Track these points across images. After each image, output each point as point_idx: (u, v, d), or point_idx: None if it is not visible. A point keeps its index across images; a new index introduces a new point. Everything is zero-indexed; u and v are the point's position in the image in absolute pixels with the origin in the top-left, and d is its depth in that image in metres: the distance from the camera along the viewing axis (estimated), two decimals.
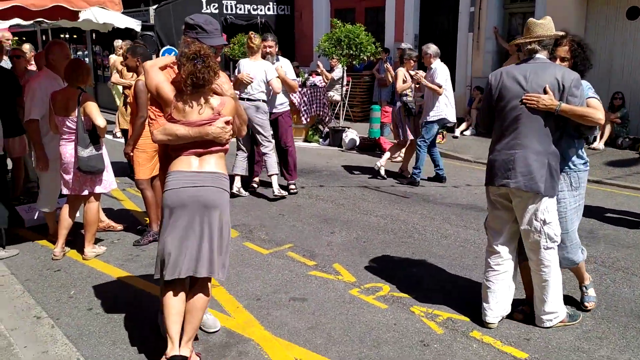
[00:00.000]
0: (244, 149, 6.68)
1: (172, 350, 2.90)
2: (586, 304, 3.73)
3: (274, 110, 6.73)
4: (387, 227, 5.65)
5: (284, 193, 6.67)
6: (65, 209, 4.69)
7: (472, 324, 3.56)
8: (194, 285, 3.04)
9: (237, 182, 6.72)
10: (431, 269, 4.53)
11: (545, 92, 3.22)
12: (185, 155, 2.97)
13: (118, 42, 9.44)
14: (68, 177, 4.57)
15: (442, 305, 3.82)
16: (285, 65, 6.80)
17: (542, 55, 3.34)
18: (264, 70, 6.40)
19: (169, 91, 2.96)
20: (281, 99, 6.77)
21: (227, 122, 2.97)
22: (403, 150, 8.19)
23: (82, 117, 4.45)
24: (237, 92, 6.40)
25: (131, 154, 4.92)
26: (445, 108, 7.43)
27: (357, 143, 10.49)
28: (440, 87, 7.30)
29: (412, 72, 7.60)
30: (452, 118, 7.63)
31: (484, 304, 3.53)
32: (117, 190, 6.96)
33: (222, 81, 3.05)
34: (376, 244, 5.13)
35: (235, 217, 5.94)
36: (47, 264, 4.58)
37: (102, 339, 3.37)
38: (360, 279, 4.31)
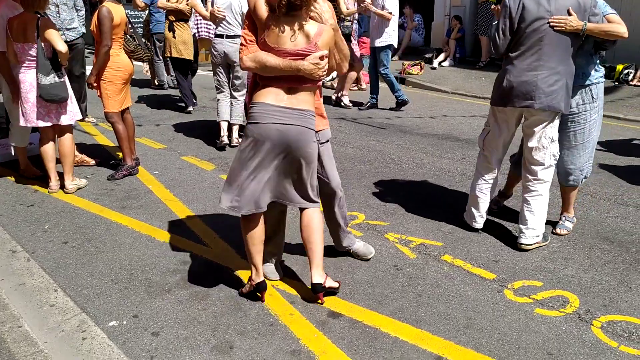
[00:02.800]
0: (224, 91, 6.01)
1: (258, 277, 2.96)
2: (559, 230, 3.86)
3: None
4: (363, 157, 5.67)
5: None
6: (42, 143, 4.58)
7: (444, 249, 3.65)
8: (301, 214, 3.01)
9: (235, 132, 6.02)
10: (406, 197, 4.59)
11: (569, 13, 3.32)
12: (274, 86, 2.74)
13: None
14: (27, 107, 4.43)
15: (415, 232, 3.91)
16: None
17: None
18: (239, 1, 5.73)
19: (264, 11, 2.71)
20: None
21: (322, 57, 2.68)
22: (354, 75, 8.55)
23: (42, 44, 4.28)
24: (214, 26, 6.00)
25: (94, 84, 4.77)
26: (393, 34, 7.66)
27: (335, 76, 10.33)
28: (390, 13, 7.51)
29: None
30: (396, 44, 8.01)
31: (475, 212, 3.86)
32: (89, 125, 6.83)
33: (324, 9, 2.75)
34: (352, 174, 5.16)
35: (211, 150, 5.91)
36: (20, 199, 4.53)
37: (78, 270, 3.39)
38: None
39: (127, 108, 5.08)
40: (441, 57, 11.29)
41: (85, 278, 3.31)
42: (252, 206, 2.81)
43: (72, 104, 4.63)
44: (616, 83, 9.27)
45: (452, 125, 7.20)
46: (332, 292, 3.06)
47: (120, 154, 5.18)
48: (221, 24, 5.81)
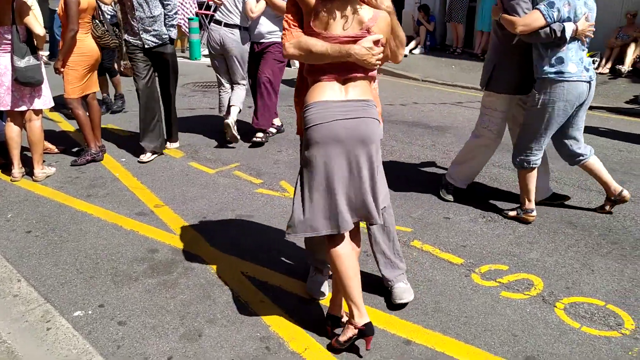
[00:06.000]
0: (224, 86, 5.74)
1: (362, 318, 2.41)
2: (507, 211, 4.01)
3: (262, 40, 5.47)
4: None
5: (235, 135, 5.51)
6: (9, 129, 4.45)
7: (413, 234, 3.69)
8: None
9: (234, 116, 5.52)
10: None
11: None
12: (325, 80, 2.39)
13: None
14: (2, 91, 4.30)
15: None
16: None
17: None
18: None
19: None
20: (269, 26, 5.42)
21: (376, 42, 2.35)
22: None
23: (18, 26, 4.16)
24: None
25: (61, 69, 4.65)
26: None
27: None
28: None
29: None
30: None
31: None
32: (54, 112, 6.65)
33: None
34: None
35: (179, 137, 5.82)
36: None
37: (42, 260, 3.32)
38: None
39: (94, 93, 4.97)
40: (412, 44, 11.34)
41: (49, 268, 3.23)
42: (344, 224, 2.39)
43: (47, 89, 4.52)
44: None
45: (422, 112, 7.25)
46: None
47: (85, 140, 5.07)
48: (220, 10, 5.49)
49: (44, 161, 4.71)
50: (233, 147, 5.54)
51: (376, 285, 3.04)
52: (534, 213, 3.86)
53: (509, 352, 2.52)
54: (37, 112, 4.53)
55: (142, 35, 4.87)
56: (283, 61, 5.55)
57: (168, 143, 5.42)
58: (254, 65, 5.60)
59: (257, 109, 5.59)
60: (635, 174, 4.90)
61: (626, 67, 9.05)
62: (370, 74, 2.45)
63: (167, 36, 4.98)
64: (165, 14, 4.92)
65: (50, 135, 5.64)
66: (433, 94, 8.69)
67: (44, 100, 4.52)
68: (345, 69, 2.38)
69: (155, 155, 5.14)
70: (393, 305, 2.84)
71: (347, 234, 2.47)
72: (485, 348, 2.55)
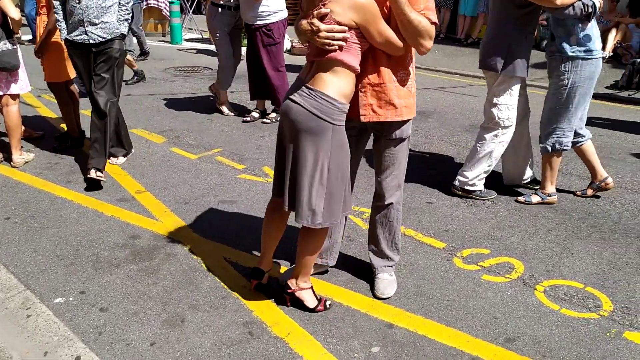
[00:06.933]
0: (224, 62, 5.87)
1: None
2: (520, 198, 4.01)
3: (258, 22, 5.33)
4: None
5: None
6: None
7: None
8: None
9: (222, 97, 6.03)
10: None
11: None
12: (307, 60, 2.37)
13: None
14: None
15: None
16: None
17: None
18: None
19: None
20: (270, 2, 5.27)
21: (322, 17, 2.16)
22: None
23: None
24: None
25: (42, 53, 4.56)
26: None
27: (289, 47, 10.20)
28: None
29: None
30: None
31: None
32: (31, 97, 6.52)
33: None
34: None
35: (161, 122, 5.76)
36: None
37: (22, 247, 3.27)
38: None
39: (72, 80, 4.87)
40: None
41: (28, 254, 3.19)
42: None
43: (23, 73, 4.42)
44: None
45: None
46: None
47: (64, 126, 4.99)
48: None
49: (22, 147, 4.63)
50: (215, 132, 5.49)
51: (360, 270, 3.05)
52: (556, 195, 3.99)
53: (490, 335, 2.55)
54: (14, 96, 4.43)
55: (87, 29, 4.02)
56: (276, 42, 5.46)
57: (112, 158, 4.56)
58: (251, 46, 5.58)
59: (274, 92, 5.61)
60: (614, 159, 4.96)
61: (607, 52, 9.12)
62: (340, 58, 2.22)
63: (118, 31, 4.12)
64: (119, 4, 4.12)
65: (28, 121, 5.54)
66: (416, 79, 8.67)
67: (21, 85, 4.43)
68: (312, 51, 2.29)
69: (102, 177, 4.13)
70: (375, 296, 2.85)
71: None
72: (466, 330, 2.58)
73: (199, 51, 10.59)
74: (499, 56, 3.65)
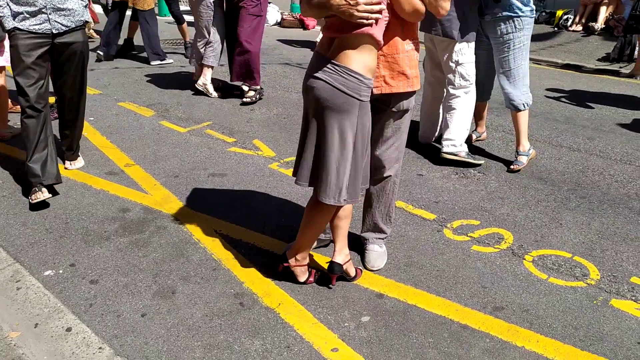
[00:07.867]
0: (213, 36, 5.55)
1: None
2: (512, 166, 4.05)
3: None
4: None
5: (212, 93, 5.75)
6: None
7: None
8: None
9: (207, 75, 5.70)
10: None
11: None
12: (325, 35, 2.26)
13: None
14: None
15: None
16: None
17: None
18: None
19: None
20: None
21: None
22: None
23: None
24: None
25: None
26: None
27: (279, 20, 10.07)
28: None
29: None
30: None
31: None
32: None
33: None
34: (296, 119, 5.10)
35: (149, 96, 5.70)
36: None
37: (10, 220, 3.24)
38: (280, 153, 4.32)
39: None
40: None
41: (17, 228, 3.17)
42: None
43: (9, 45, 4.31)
44: (556, 28, 9.47)
45: None
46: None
47: (53, 99, 4.90)
48: None
49: (9, 120, 4.56)
50: (204, 106, 5.44)
51: (351, 241, 3.05)
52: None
53: (479, 303, 2.58)
54: (0, 69, 4.35)
55: (50, 17, 3.36)
56: (260, 15, 5.35)
57: (67, 163, 3.99)
58: (231, 21, 5.44)
59: (238, 66, 5.42)
60: (604, 130, 4.98)
61: (599, 24, 9.09)
62: (370, 33, 2.14)
63: (82, 19, 3.54)
64: None
65: (14, 95, 5.44)
66: None
67: (7, 57, 4.34)
68: (337, 24, 2.16)
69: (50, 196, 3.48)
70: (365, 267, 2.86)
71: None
72: (455, 300, 2.60)
73: (188, 24, 10.41)
74: (455, 24, 3.84)
